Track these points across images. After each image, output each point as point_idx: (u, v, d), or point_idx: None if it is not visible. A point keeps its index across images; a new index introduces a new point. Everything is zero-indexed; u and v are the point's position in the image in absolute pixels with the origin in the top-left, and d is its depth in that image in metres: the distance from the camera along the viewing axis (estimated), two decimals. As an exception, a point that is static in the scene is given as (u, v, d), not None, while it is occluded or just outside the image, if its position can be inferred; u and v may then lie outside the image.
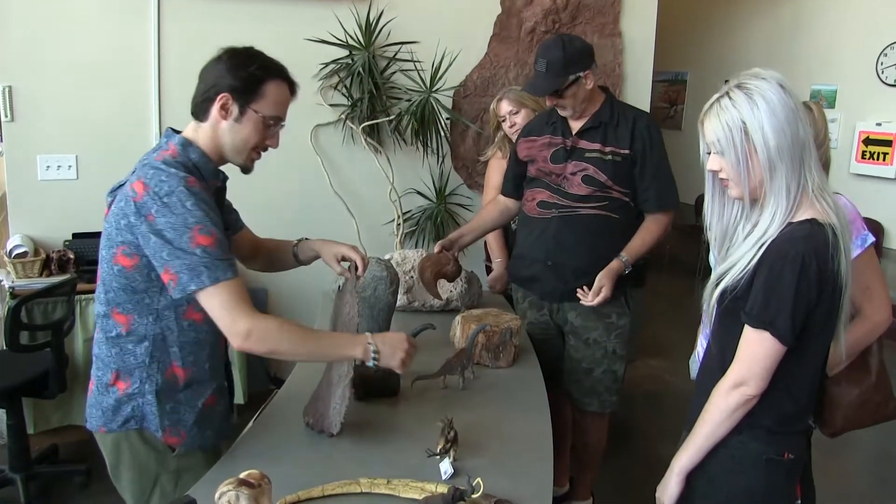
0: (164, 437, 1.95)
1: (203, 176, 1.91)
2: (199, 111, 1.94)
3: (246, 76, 1.91)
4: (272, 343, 1.83)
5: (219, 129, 1.93)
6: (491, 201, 3.40)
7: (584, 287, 2.85)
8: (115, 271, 1.87)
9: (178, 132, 1.97)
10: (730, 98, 1.72)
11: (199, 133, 1.94)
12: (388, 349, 1.94)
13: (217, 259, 1.78)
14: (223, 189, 2.12)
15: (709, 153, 1.80)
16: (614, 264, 2.90)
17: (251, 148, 1.97)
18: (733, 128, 1.70)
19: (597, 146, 2.89)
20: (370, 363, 1.92)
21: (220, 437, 2.12)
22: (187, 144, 1.92)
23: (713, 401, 1.77)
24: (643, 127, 2.91)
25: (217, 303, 1.79)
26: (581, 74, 2.82)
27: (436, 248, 3.06)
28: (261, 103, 1.93)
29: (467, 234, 3.21)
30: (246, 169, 2.05)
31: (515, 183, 3.19)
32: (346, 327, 2.08)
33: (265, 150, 2.02)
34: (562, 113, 2.91)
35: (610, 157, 2.88)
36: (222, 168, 2.05)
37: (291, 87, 2.02)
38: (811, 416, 1.91)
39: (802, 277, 1.63)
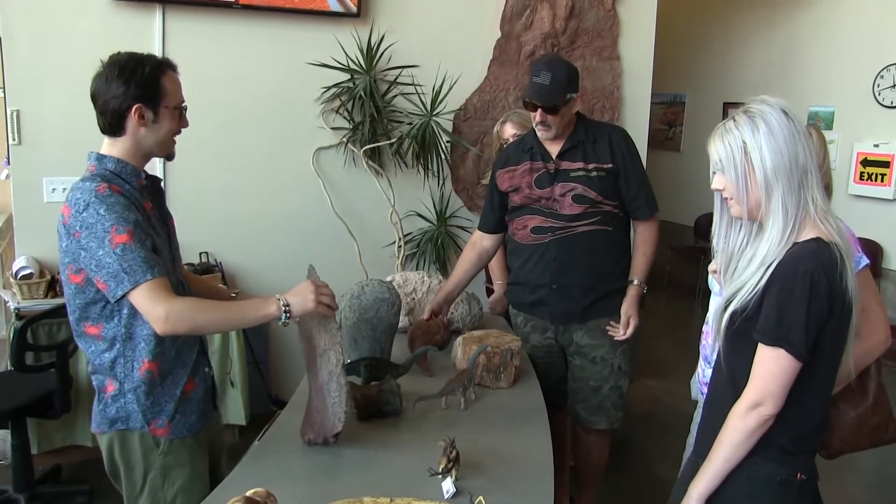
0: (151, 430, 2.09)
1: (124, 179, 2.04)
2: (113, 128, 2.05)
3: (145, 82, 2.01)
4: (190, 320, 1.96)
5: (139, 136, 2.05)
6: (467, 246, 3.35)
7: (612, 322, 3.01)
8: (73, 290, 2.02)
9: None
10: (734, 121, 1.79)
11: (115, 146, 2.06)
12: (298, 298, 2.03)
13: (137, 258, 1.91)
14: (157, 189, 2.23)
15: (715, 173, 1.85)
16: (633, 291, 3.03)
17: (172, 136, 2.11)
18: (734, 147, 1.76)
19: (579, 164, 2.94)
20: (283, 318, 2.01)
21: (205, 420, 2.23)
22: (102, 158, 2.05)
23: (730, 423, 1.77)
24: (620, 140, 3.00)
25: (139, 300, 1.93)
26: (574, 96, 2.90)
27: (426, 315, 3.06)
28: (167, 98, 2.06)
29: (453, 290, 3.17)
30: (170, 157, 2.17)
31: (498, 216, 3.18)
32: (327, 355, 2.11)
33: (179, 133, 2.15)
34: (545, 133, 2.94)
35: (595, 173, 2.93)
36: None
37: (174, 68, 2.12)
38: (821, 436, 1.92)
39: (813, 293, 1.66)
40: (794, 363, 1.70)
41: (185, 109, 2.14)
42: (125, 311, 2.00)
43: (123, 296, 1.92)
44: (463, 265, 3.25)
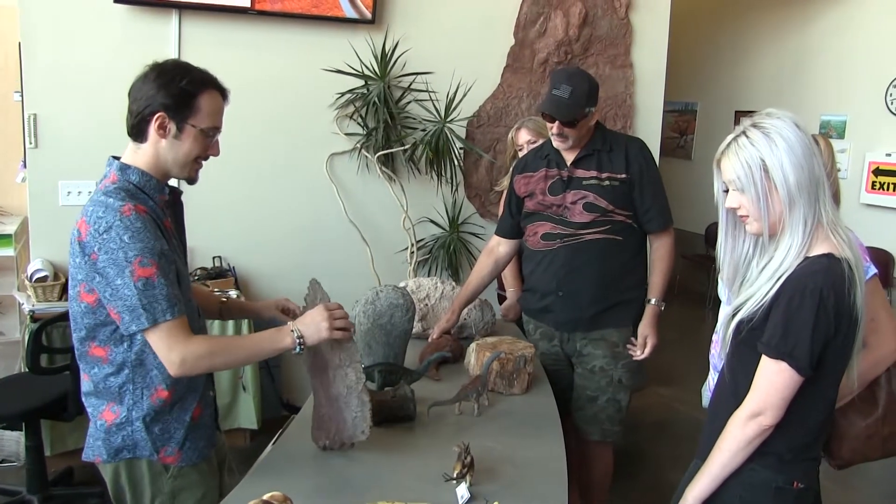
0: (160, 458, 1.98)
1: (148, 194, 1.93)
2: (136, 133, 1.93)
3: (178, 92, 1.89)
4: (207, 363, 1.90)
5: (159, 148, 1.92)
6: (483, 252, 3.37)
7: (633, 339, 3.04)
8: (83, 308, 1.89)
9: (118, 158, 1.96)
10: (747, 137, 1.77)
11: (138, 154, 1.93)
12: (312, 328, 1.97)
13: (159, 295, 1.80)
14: (178, 203, 2.12)
15: (725, 191, 1.84)
16: (651, 310, 3.04)
17: (193, 160, 1.97)
18: (753, 165, 1.75)
19: (593, 173, 2.94)
20: (297, 349, 1.96)
21: (212, 445, 2.13)
22: (125, 168, 1.92)
23: (730, 430, 1.79)
24: (636, 150, 2.99)
25: (155, 339, 1.84)
26: (593, 109, 2.90)
27: (434, 335, 3.04)
28: (197, 117, 1.92)
29: (469, 298, 3.18)
30: (191, 181, 2.04)
31: (515, 221, 3.19)
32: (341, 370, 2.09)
33: (206, 159, 2.02)
34: (561, 144, 2.94)
35: (608, 182, 2.92)
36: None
37: (223, 94, 2.01)
38: (822, 446, 1.92)
39: (821, 310, 1.67)
40: (796, 377, 1.71)
41: (212, 135, 1.99)
42: (138, 337, 1.88)
43: (138, 332, 1.83)
44: (479, 272, 3.26)
